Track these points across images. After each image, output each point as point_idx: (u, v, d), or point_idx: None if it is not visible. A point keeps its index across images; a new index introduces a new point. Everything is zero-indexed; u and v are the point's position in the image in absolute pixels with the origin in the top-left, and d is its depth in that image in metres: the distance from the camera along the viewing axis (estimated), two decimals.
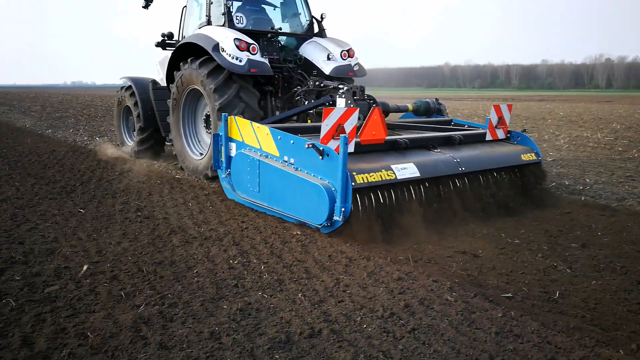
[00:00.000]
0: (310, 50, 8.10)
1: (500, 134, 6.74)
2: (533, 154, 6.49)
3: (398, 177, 5.07)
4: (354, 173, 4.75)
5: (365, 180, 4.81)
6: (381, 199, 4.98)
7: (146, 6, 9.12)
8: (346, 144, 4.59)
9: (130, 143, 10.12)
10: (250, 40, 7.01)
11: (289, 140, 5.24)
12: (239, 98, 6.95)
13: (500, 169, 6.16)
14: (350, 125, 5.12)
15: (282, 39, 8.52)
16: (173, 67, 8.01)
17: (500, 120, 6.67)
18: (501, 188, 6.03)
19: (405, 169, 5.20)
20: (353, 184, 4.66)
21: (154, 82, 9.23)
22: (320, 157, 4.82)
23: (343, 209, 4.63)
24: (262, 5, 8.62)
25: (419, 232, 4.94)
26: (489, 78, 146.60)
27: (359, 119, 5.38)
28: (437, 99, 8.01)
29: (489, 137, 6.62)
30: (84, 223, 5.26)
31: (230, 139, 6.14)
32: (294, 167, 5.21)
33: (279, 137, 5.38)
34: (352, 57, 8.01)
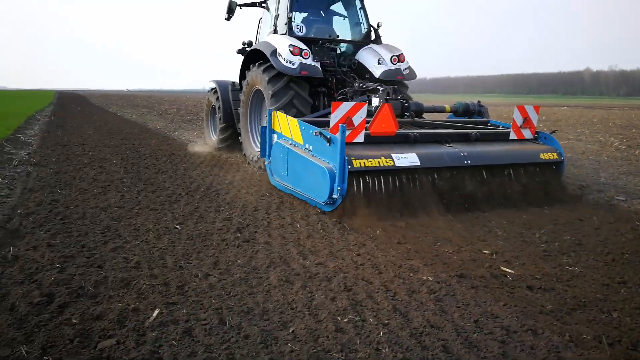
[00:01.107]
0: (365, 56, 8.87)
1: (527, 134, 7.02)
2: (555, 154, 6.71)
3: (397, 165, 5.64)
4: (353, 158, 5.45)
5: (362, 165, 5.48)
6: (390, 183, 5.65)
7: (228, 18, 9.99)
8: (344, 132, 5.32)
9: (214, 138, 11.13)
10: (303, 46, 7.84)
11: (310, 130, 5.90)
12: (292, 104, 7.78)
13: (513, 165, 6.41)
14: (359, 118, 5.80)
15: (342, 45, 9.39)
16: (245, 70, 9.09)
17: (526, 120, 6.96)
18: (510, 182, 6.31)
19: (406, 158, 5.73)
20: (350, 167, 5.37)
21: (233, 84, 10.27)
22: (328, 143, 5.52)
23: (339, 188, 5.31)
24: (325, 15, 9.57)
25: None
26: (639, 85, 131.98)
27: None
28: (479, 101, 8.36)
29: (513, 136, 6.92)
30: (176, 244, 4.54)
31: (273, 131, 6.87)
32: (311, 153, 5.94)
33: (303, 127, 6.12)
34: (402, 62, 8.64)
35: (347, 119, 5.70)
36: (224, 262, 4.09)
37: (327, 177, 5.39)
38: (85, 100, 47.64)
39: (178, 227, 5.08)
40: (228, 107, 10.10)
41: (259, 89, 8.46)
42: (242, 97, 9.19)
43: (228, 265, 4.02)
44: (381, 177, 5.64)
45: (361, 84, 8.07)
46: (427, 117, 8.28)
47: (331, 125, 5.63)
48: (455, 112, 8.15)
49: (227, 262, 4.09)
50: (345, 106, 5.74)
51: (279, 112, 6.80)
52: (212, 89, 10.87)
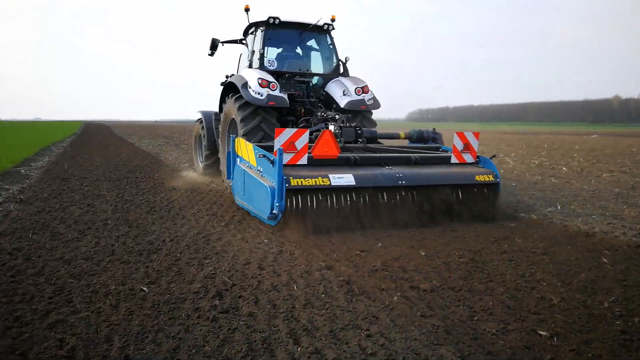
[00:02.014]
0: (333, 87, 9.56)
1: (469, 158, 7.52)
2: (491, 176, 7.11)
3: (332, 184, 6.12)
4: (291, 177, 5.94)
5: (299, 184, 5.96)
6: (327, 200, 6.17)
7: (212, 54, 10.66)
8: (281, 155, 5.95)
9: (200, 165, 11.69)
10: (271, 79, 8.51)
11: (260, 153, 6.44)
12: (260, 128, 8.38)
13: (447, 186, 6.85)
14: (301, 143, 6.46)
15: (314, 78, 10.06)
16: (223, 101, 9.79)
17: (466, 145, 7.47)
18: (441, 201, 6.71)
19: (342, 178, 6.23)
20: (287, 185, 5.86)
21: (216, 114, 10.80)
22: (271, 165, 6.06)
23: (277, 204, 5.86)
24: (297, 51, 10.30)
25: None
26: None
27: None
28: (434, 129, 8.94)
29: (454, 160, 7.45)
30: (134, 316, 3.52)
31: (237, 155, 7.36)
32: (261, 174, 6.44)
33: (255, 151, 6.62)
34: (366, 93, 9.24)
35: (290, 144, 6.40)
36: (187, 349, 3.05)
37: (269, 195, 5.98)
38: (109, 130, 47.84)
39: (145, 289, 4.07)
40: (212, 135, 10.82)
41: (233, 119, 8.95)
42: (220, 126, 9.78)
43: (191, 355, 2.98)
44: (327, 195, 6.19)
45: (323, 114, 8.69)
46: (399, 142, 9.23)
47: (275, 149, 6.16)
48: (410, 138, 8.90)
49: (191, 349, 3.05)
50: (288, 132, 6.42)
51: (239, 138, 7.41)
52: (198, 119, 11.67)
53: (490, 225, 6.57)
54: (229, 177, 7.85)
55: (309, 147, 6.68)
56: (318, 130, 7.95)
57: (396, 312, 3.67)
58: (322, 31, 10.10)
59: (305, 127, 8.54)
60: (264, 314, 3.60)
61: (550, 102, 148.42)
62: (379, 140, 8.69)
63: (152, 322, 3.42)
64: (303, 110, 9.38)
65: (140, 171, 12.69)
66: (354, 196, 6.34)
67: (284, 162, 6.22)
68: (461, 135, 7.44)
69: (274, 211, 5.94)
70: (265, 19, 9.53)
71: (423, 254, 5.20)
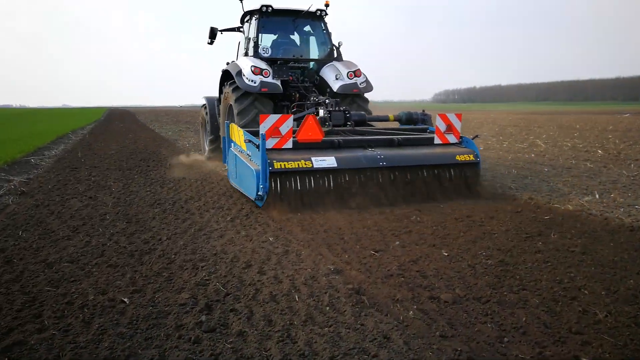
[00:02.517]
0: (326, 72, 9.76)
1: (452, 138, 7.64)
2: (472, 155, 7.25)
3: (315, 166, 6.46)
4: (274, 161, 6.32)
5: (283, 167, 6.34)
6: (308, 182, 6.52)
7: (211, 42, 10.89)
8: (264, 140, 6.35)
9: (206, 149, 11.87)
10: (264, 66, 8.86)
11: (248, 138, 6.79)
12: (255, 114, 8.54)
13: (429, 166, 7.06)
14: (286, 128, 6.78)
15: (309, 63, 10.22)
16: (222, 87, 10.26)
17: (449, 127, 7.60)
18: (422, 181, 7.02)
19: (324, 161, 6.55)
20: (271, 168, 6.25)
21: (219, 99, 10.82)
22: (257, 149, 6.40)
23: (262, 186, 6.25)
24: (292, 37, 10.48)
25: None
26: None
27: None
28: (423, 111, 9.07)
29: (437, 141, 7.59)
30: (105, 336, 3.03)
31: (231, 141, 7.67)
32: (250, 158, 6.77)
33: (244, 136, 6.90)
34: (358, 77, 9.47)
35: (275, 129, 6.70)
36: None
37: (254, 177, 6.32)
38: (132, 116, 47.78)
39: (127, 300, 3.58)
40: (215, 120, 11.07)
41: (231, 105, 9.26)
42: (220, 111, 10.27)
43: None
44: (311, 177, 6.52)
45: (315, 98, 8.96)
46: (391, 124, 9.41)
47: (260, 134, 6.45)
48: (399, 120, 9.08)
49: None
50: (272, 118, 6.72)
51: (233, 124, 7.75)
52: (203, 105, 11.95)
53: (522, 218, 5.91)
54: (224, 161, 8.27)
55: (294, 132, 6.98)
56: (308, 114, 7.91)
57: (411, 330, 3.11)
58: (315, 17, 10.25)
59: (298, 111, 8.94)
60: (256, 333, 3.09)
61: (582, 80, 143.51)
62: (370, 122, 8.84)
63: (123, 345, 2.93)
64: (298, 95, 9.61)
65: (153, 159, 12.32)
66: (338, 178, 6.63)
67: (270, 147, 6.61)
68: (444, 117, 7.61)
69: (259, 193, 6.25)
70: (258, 7, 9.73)
71: (446, 254, 4.61)
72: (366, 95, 9.86)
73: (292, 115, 6.99)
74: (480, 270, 4.20)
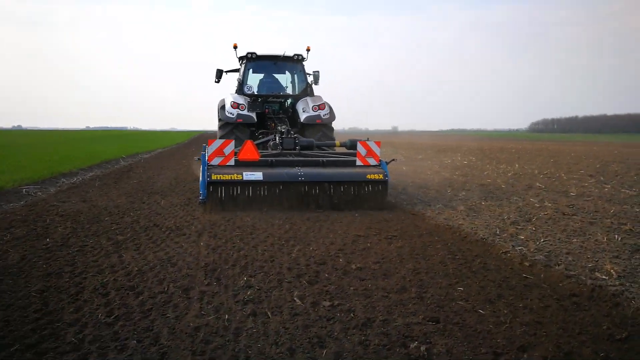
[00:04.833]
0: (298, 105, 11.92)
1: (372, 161, 9.52)
2: (381, 175, 9.04)
3: (244, 179, 8.46)
4: (212, 174, 8.44)
5: (218, 178, 8.41)
6: (242, 191, 8.57)
7: (218, 81, 12.96)
8: (205, 158, 8.93)
9: None
10: (241, 101, 11.27)
11: (199, 157, 9.35)
12: (232, 135, 10.98)
13: (342, 182, 8.93)
14: (228, 149, 9.02)
15: (285, 98, 12.65)
16: None
17: (369, 152, 9.51)
18: (333, 193, 8.90)
19: (253, 175, 8.51)
20: (209, 179, 8.39)
21: None
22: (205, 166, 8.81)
23: (201, 192, 8.74)
24: (275, 77, 13.05)
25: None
26: None
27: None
28: (367, 138, 10.02)
29: (359, 163, 9.50)
30: None
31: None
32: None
33: (201, 156, 9.23)
34: (322, 109, 11.51)
35: (220, 150, 8.98)
36: None
37: (202, 186, 8.74)
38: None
39: None
40: None
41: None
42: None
43: None
44: (243, 187, 8.51)
45: (280, 127, 10.99)
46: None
47: (208, 154, 8.88)
48: (345, 146, 10.69)
49: None
50: (217, 143, 9.05)
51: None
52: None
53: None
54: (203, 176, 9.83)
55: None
56: (269, 139, 10.72)
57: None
58: (293, 61, 12.68)
59: (264, 136, 11.53)
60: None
61: None
62: (323, 147, 10.87)
63: None
64: (273, 124, 11.81)
65: (191, 195, 10.49)
66: (263, 189, 8.58)
67: (217, 164, 8.90)
68: (364, 144, 9.51)
69: (201, 197, 8.72)
70: (244, 54, 12.41)
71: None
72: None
73: (233, 141, 9.04)
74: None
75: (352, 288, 4.68)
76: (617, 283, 4.83)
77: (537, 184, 12.97)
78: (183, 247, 6.18)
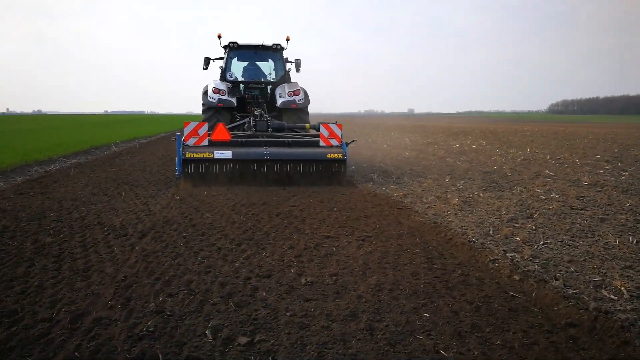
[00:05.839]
0: (276, 91, 12.66)
1: (334, 142, 10.25)
2: (340, 154, 9.89)
3: (215, 157, 9.39)
4: (187, 152, 9.38)
5: (192, 156, 9.35)
6: (213, 168, 9.51)
7: (206, 68, 13.48)
8: (180, 138, 9.67)
9: None
10: (222, 87, 11.99)
11: (176, 137, 9.87)
12: (214, 118, 11.85)
13: (304, 160, 9.83)
14: (202, 131, 9.85)
15: (264, 84, 13.59)
16: None
17: (331, 133, 10.26)
18: (295, 171, 9.77)
19: (223, 154, 9.43)
20: (183, 157, 9.35)
21: None
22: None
23: (177, 169, 9.66)
24: (255, 65, 13.89)
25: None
26: None
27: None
28: (336, 122, 10.68)
29: (322, 144, 10.22)
30: None
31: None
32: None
33: (177, 137, 9.88)
34: (297, 95, 12.21)
35: (195, 132, 9.82)
36: None
37: (178, 163, 9.61)
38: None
39: None
40: None
41: None
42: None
43: None
44: (215, 164, 9.47)
45: (256, 111, 11.82)
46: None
47: (185, 134, 9.73)
48: (314, 128, 11.11)
49: None
50: (192, 125, 9.89)
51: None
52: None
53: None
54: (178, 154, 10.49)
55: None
56: (245, 122, 11.46)
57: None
58: (273, 50, 13.44)
59: (242, 119, 12.05)
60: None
61: None
62: (295, 130, 11.56)
63: None
64: (252, 108, 12.46)
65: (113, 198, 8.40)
66: (232, 165, 9.50)
67: (192, 143, 9.73)
68: (326, 126, 10.29)
69: (177, 174, 9.64)
70: (227, 43, 13.22)
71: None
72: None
73: (207, 123, 10.06)
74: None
75: (288, 314, 3.72)
76: (628, 307, 3.81)
77: (547, 171, 11.88)
78: (113, 252, 5.25)
